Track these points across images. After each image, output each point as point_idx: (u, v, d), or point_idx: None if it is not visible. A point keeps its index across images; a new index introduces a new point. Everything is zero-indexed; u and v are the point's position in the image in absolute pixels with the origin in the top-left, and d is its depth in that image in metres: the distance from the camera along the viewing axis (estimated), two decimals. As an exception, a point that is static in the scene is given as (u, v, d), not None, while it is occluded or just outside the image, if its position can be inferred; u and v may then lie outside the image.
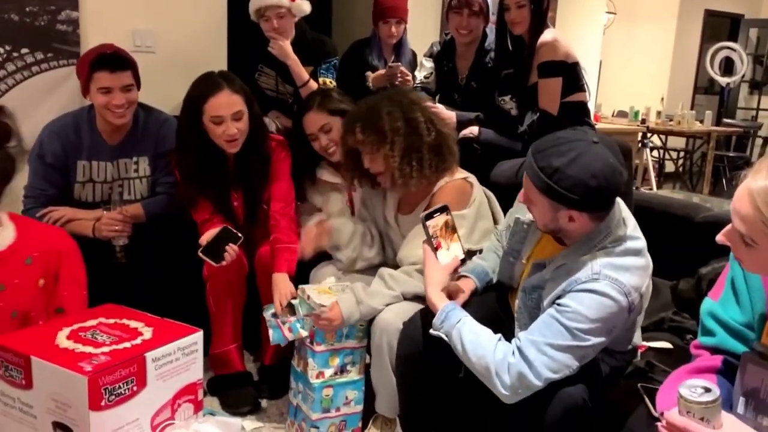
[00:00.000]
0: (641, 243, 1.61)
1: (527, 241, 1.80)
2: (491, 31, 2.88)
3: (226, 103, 2.25)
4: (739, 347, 1.21)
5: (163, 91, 2.84)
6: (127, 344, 1.44)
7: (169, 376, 1.48)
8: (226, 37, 3.26)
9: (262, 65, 2.95)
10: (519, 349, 1.55)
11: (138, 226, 2.37)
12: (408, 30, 3.17)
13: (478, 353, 1.58)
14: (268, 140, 2.45)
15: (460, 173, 2.17)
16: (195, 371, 1.55)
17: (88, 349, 1.41)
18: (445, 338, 1.65)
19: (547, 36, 2.60)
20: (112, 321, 1.56)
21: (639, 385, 1.64)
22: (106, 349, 1.41)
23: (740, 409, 1.14)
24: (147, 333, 1.50)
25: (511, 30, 2.65)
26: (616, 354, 1.74)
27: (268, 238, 2.40)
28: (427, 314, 1.82)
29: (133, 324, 1.54)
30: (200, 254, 2.23)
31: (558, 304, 1.54)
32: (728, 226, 1.13)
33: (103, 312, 1.62)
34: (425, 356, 1.79)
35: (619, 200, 1.64)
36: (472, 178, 2.20)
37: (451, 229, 1.83)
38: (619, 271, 1.52)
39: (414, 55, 3.27)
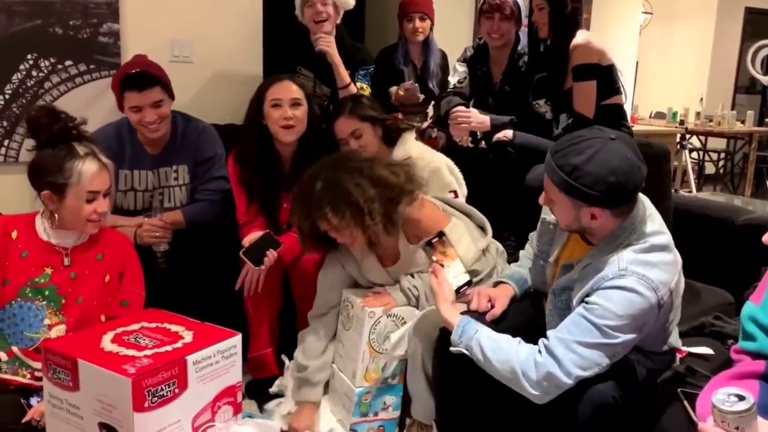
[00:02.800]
0: (666, 238, 1.61)
1: (555, 242, 1.80)
2: (524, 34, 2.87)
3: (286, 89, 2.38)
4: (781, 353, 1.19)
5: (201, 100, 2.91)
6: (169, 347, 1.48)
7: (209, 378, 1.52)
8: (261, 44, 3.31)
9: (300, 67, 2.98)
10: (547, 347, 1.55)
11: (178, 232, 2.43)
12: (441, 34, 3.18)
13: (501, 358, 1.59)
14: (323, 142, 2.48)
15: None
16: (234, 374, 1.59)
17: (132, 352, 1.46)
18: (466, 352, 1.66)
19: (579, 38, 2.58)
20: (153, 325, 1.61)
21: (679, 390, 1.62)
22: (148, 352, 1.46)
23: (782, 415, 1.11)
24: (188, 336, 1.54)
25: (538, 32, 2.65)
26: (651, 355, 1.72)
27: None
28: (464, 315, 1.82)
29: (174, 328, 1.59)
30: (242, 255, 2.29)
31: (586, 302, 1.54)
32: None
33: (145, 316, 1.67)
34: (462, 362, 1.79)
35: (643, 197, 1.64)
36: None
37: (450, 251, 1.90)
38: (646, 267, 1.52)
39: (444, 56, 3.28)
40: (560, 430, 1.56)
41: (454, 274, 1.88)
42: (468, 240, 2.11)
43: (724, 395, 1.04)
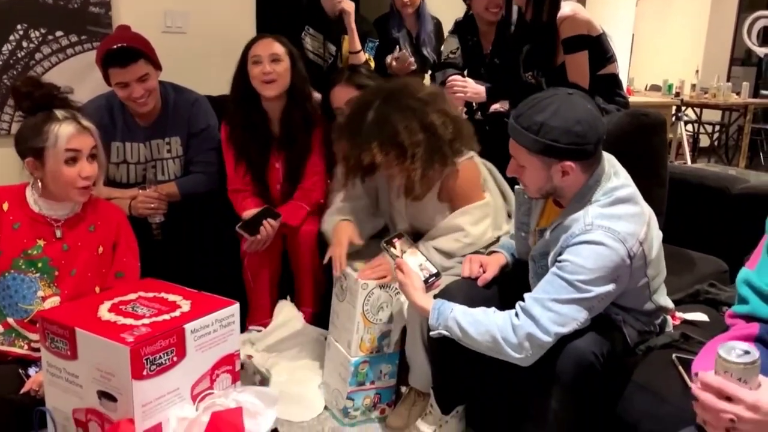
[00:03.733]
0: (631, 190, 1.63)
1: (533, 212, 1.82)
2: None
3: (266, 46, 2.42)
4: (774, 315, 1.20)
5: (194, 71, 2.87)
6: (167, 316, 1.48)
7: (207, 347, 1.53)
8: (254, 14, 3.27)
9: (308, 27, 2.95)
10: (523, 309, 1.58)
11: (174, 204, 2.43)
12: (433, 4, 3.16)
13: (480, 330, 1.61)
14: (311, 102, 2.51)
15: (466, 152, 2.11)
16: (232, 342, 1.59)
17: (129, 321, 1.46)
18: (446, 333, 1.68)
19: (565, 10, 2.55)
20: (151, 295, 1.60)
21: (674, 355, 1.65)
22: (146, 321, 1.46)
23: (776, 376, 1.13)
24: (185, 306, 1.54)
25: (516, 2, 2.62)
26: (638, 315, 1.74)
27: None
28: (457, 288, 1.84)
29: (171, 297, 1.59)
30: (237, 229, 2.31)
31: (557, 261, 1.58)
32: None
33: (142, 286, 1.67)
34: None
35: (607, 155, 1.67)
36: (474, 155, 2.16)
37: (411, 249, 1.95)
38: (611, 220, 1.55)
39: (438, 24, 3.26)
40: (545, 388, 1.59)
41: (421, 267, 1.91)
42: (487, 224, 2.10)
43: (729, 347, 1.05)
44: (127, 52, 2.32)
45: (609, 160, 1.67)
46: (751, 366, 1.02)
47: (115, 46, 2.32)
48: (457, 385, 1.95)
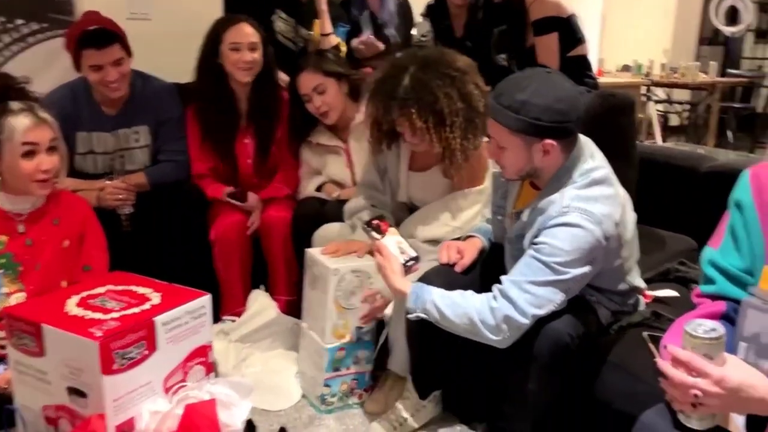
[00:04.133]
0: (606, 172, 1.65)
1: (509, 195, 1.83)
2: None
3: (245, 33, 2.43)
4: (740, 294, 1.22)
5: (161, 58, 2.81)
6: (136, 309, 1.46)
7: (179, 339, 1.51)
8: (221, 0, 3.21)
9: (279, 10, 2.92)
10: (501, 291, 1.59)
11: (143, 194, 2.39)
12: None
13: (458, 312, 1.62)
14: (277, 82, 2.54)
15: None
16: (204, 334, 1.58)
17: (98, 315, 1.43)
18: (424, 316, 1.68)
19: None
20: (120, 288, 1.58)
21: (645, 333, 1.67)
22: (115, 314, 1.43)
23: (741, 354, 1.14)
24: (155, 298, 1.52)
25: None
26: (612, 295, 1.76)
27: (273, 202, 2.49)
28: (435, 274, 1.84)
29: (141, 290, 1.57)
30: (227, 197, 2.42)
31: (534, 243, 1.59)
32: None
33: (111, 279, 1.64)
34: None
35: (584, 137, 1.68)
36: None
37: (390, 230, 1.91)
38: (587, 202, 1.56)
39: (404, 4, 3.23)
40: (522, 370, 1.61)
41: (400, 250, 1.88)
42: (477, 209, 2.09)
43: (696, 324, 1.06)
44: (104, 33, 2.30)
45: (586, 143, 1.68)
46: (716, 342, 1.04)
47: (92, 27, 2.29)
48: (435, 369, 1.96)
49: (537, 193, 1.69)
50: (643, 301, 1.89)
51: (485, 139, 2.04)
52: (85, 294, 1.54)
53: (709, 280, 1.31)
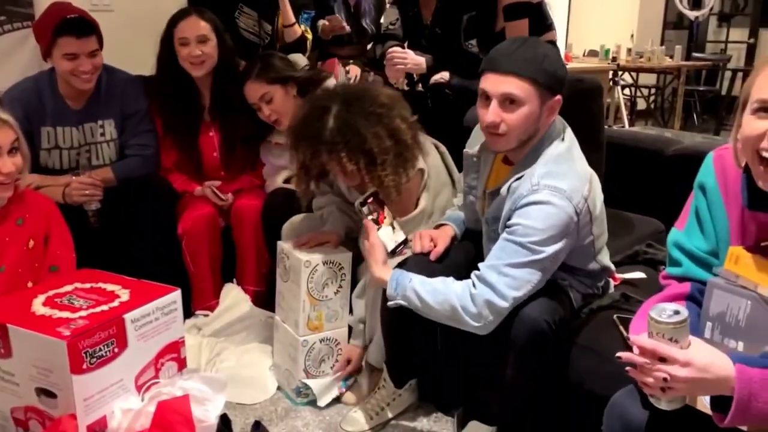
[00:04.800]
0: (576, 150, 1.69)
1: (480, 174, 1.83)
2: None
3: (192, 27, 2.41)
4: (705, 275, 1.24)
5: (124, 51, 2.76)
6: (105, 307, 1.44)
7: (149, 336, 1.49)
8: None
9: (242, 5, 2.89)
10: (479, 277, 1.59)
11: (110, 188, 2.35)
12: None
13: (439, 299, 1.62)
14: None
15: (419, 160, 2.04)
16: (176, 330, 1.56)
17: (65, 314, 1.41)
18: (404, 304, 1.68)
19: None
20: (88, 285, 1.56)
21: (614, 315, 1.70)
22: (83, 313, 1.41)
23: (707, 333, 1.17)
24: (124, 295, 1.50)
25: None
26: (583, 277, 1.78)
27: (244, 191, 2.48)
28: (414, 263, 1.83)
29: (109, 287, 1.54)
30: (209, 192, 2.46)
31: (507, 226, 1.60)
32: None
33: (78, 277, 1.61)
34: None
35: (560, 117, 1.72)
36: (428, 153, 2.10)
37: (383, 212, 1.87)
38: (557, 179, 1.58)
39: None
40: (500, 357, 1.62)
41: (389, 234, 1.86)
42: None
43: (660, 309, 1.08)
44: (84, 23, 2.27)
45: (560, 118, 1.71)
46: (680, 326, 1.06)
47: (72, 15, 2.25)
48: (410, 358, 1.96)
49: (510, 169, 1.69)
50: (612, 283, 1.91)
51: (419, 166, 2.03)
52: (51, 293, 1.51)
53: (675, 262, 1.33)
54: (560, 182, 1.57)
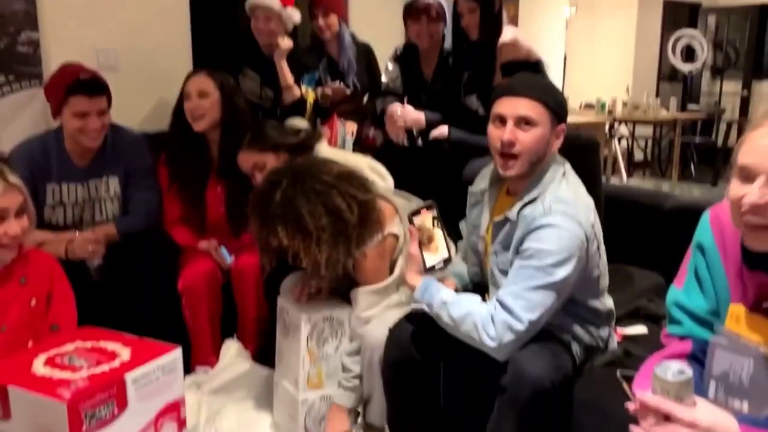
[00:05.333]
0: (576, 179, 1.78)
1: (484, 210, 1.87)
2: (449, 32, 2.90)
3: (196, 82, 2.52)
4: (706, 335, 1.25)
5: (129, 108, 2.83)
6: (106, 367, 1.43)
7: (150, 395, 1.48)
8: (190, 50, 3.25)
9: (245, 68, 2.96)
10: (499, 302, 1.63)
11: (112, 245, 2.36)
12: (372, 31, 3.19)
13: (462, 312, 1.64)
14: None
15: (389, 224, 2.07)
16: (176, 389, 1.55)
17: (66, 374, 1.40)
18: (427, 309, 1.71)
19: (507, 36, 2.63)
20: (89, 344, 1.55)
21: (618, 372, 1.68)
22: (84, 373, 1.40)
23: (711, 393, 1.17)
24: (125, 354, 1.50)
25: (469, 35, 2.68)
26: (587, 319, 1.78)
27: (245, 249, 2.46)
28: (411, 317, 1.85)
29: (110, 346, 1.54)
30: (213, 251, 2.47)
31: (521, 251, 1.64)
32: (759, 184, 1.10)
33: (79, 335, 1.61)
34: (412, 359, 1.81)
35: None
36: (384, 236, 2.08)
37: (434, 226, 1.82)
38: (566, 204, 1.65)
39: (366, 50, 3.28)
40: (502, 414, 1.61)
41: (431, 251, 1.80)
42: (387, 302, 2.05)
43: (665, 367, 1.08)
44: (96, 83, 2.35)
45: (557, 153, 1.79)
46: (685, 385, 1.06)
47: (85, 76, 2.34)
48: (412, 417, 1.94)
49: (514, 199, 1.75)
50: (615, 337, 1.91)
51: (378, 239, 2.03)
52: (52, 352, 1.50)
53: (676, 321, 1.33)
54: (570, 207, 1.64)
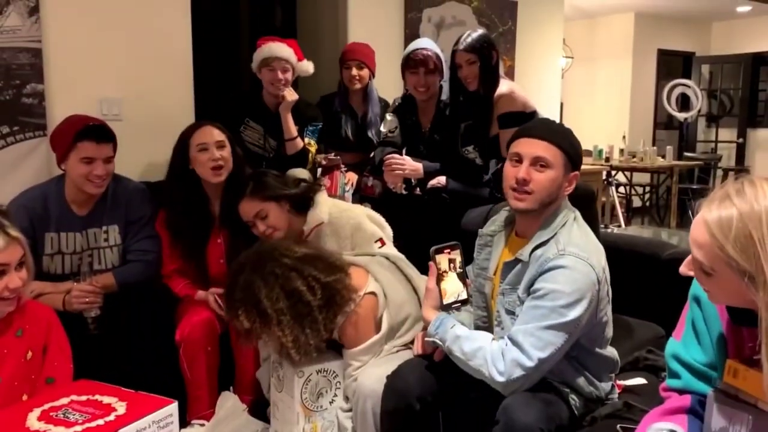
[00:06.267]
0: (585, 224, 1.81)
1: (493, 253, 1.89)
2: (446, 83, 2.96)
3: (210, 133, 2.50)
4: (705, 388, 1.24)
5: (132, 158, 2.86)
6: (101, 421, 1.42)
7: (144, 451, 1.46)
8: (192, 99, 3.30)
9: (248, 119, 3.02)
10: (510, 339, 1.65)
11: (110, 295, 2.35)
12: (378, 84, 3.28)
13: (474, 347, 1.67)
14: None
15: (363, 287, 2.07)
16: (171, 444, 1.53)
17: (60, 429, 1.39)
18: (440, 344, 1.74)
19: (503, 88, 2.69)
20: (84, 398, 1.54)
21: (618, 426, 1.67)
22: (78, 428, 1.39)
23: (712, 448, 1.16)
24: (120, 408, 1.49)
25: (467, 87, 2.74)
26: (590, 368, 1.78)
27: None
28: (408, 365, 1.85)
29: (106, 400, 1.53)
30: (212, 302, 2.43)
31: (534, 291, 1.66)
32: (689, 257, 1.18)
33: (74, 389, 1.60)
34: (410, 408, 1.79)
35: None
36: (374, 275, 2.13)
37: (456, 266, 1.84)
38: (579, 247, 1.68)
39: (386, 105, 3.35)
40: None
41: (451, 289, 1.82)
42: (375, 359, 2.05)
43: (656, 429, 1.07)
44: (104, 129, 2.39)
45: (567, 199, 1.82)
46: None
47: (93, 123, 2.38)
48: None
49: (524, 241, 1.77)
50: (616, 390, 1.89)
51: (351, 307, 2.02)
52: (47, 406, 1.49)
53: (675, 374, 1.33)
54: (583, 251, 1.67)
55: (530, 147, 1.74)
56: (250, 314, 1.92)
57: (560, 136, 1.75)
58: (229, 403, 2.32)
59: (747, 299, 1.09)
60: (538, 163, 1.72)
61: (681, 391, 1.31)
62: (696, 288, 1.32)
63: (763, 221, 1.06)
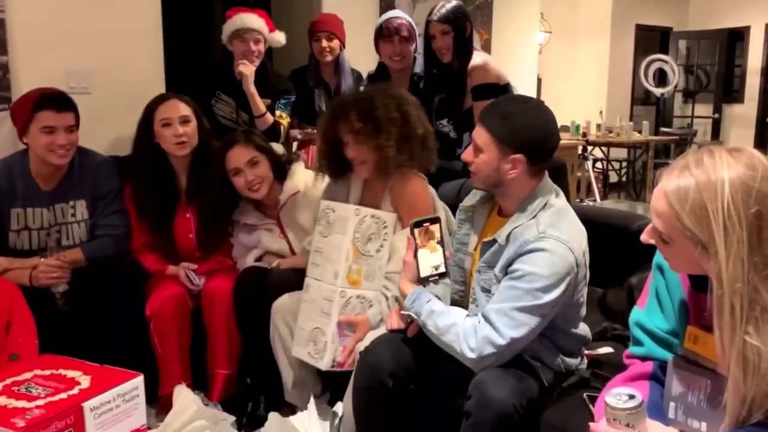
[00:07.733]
0: (570, 209, 1.80)
1: (474, 227, 1.90)
2: (420, 56, 2.94)
3: (175, 108, 2.47)
4: (667, 355, 1.26)
5: (100, 132, 2.81)
6: (64, 395, 1.41)
7: (110, 424, 1.46)
8: (163, 73, 3.24)
9: (219, 92, 2.97)
10: (484, 316, 1.66)
11: (78, 270, 2.32)
12: (347, 57, 3.23)
13: (448, 322, 1.68)
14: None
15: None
16: (138, 417, 1.53)
17: (22, 403, 1.38)
18: (415, 317, 1.75)
19: (477, 60, 2.67)
20: (47, 372, 1.53)
21: (585, 394, 1.69)
22: (40, 402, 1.38)
23: (671, 413, 1.17)
24: (85, 382, 1.48)
25: (441, 58, 2.72)
26: (561, 345, 1.79)
27: (215, 273, 2.46)
28: (381, 341, 1.84)
29: (70, 374, 1.52)
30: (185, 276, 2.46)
31: (511, 271, 1.66)
32: (649, 225, 1.19)
33: (39, 363, 1.58)
34: (383, 385, 1.79)
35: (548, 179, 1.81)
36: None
37: (435, 240, 1.85)
38: (560, 230, 1.67)
39: (359, 77, 3.32)
40: None
41: (429, 262, 1.83)
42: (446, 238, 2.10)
43: (615, 394, 1.09)
44: (63, 98, 2.35)
45: (552, 182, 1.81)
46: (635, 411, 1.06)
47: (50, 91, 2.35)
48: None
49: (505, 221, 1.77)
50: (585, 360, 1.91)
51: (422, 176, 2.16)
52: (9, 381, 1.48)
53: (638, 342, 1.34)
54: (564, 234, 1.66)
55: (475, 131, 1.76)
56: (362, 117, 2.07)
57: (495, 120, 1.72)
58: (182, 396, 2.27)
59: (704, 268, 1.10)
60: (474, 144, 1.75)
61: (643, 358, 1.32)
62: (659, 257, 1.33)
63: (718, 192, 1.06)
